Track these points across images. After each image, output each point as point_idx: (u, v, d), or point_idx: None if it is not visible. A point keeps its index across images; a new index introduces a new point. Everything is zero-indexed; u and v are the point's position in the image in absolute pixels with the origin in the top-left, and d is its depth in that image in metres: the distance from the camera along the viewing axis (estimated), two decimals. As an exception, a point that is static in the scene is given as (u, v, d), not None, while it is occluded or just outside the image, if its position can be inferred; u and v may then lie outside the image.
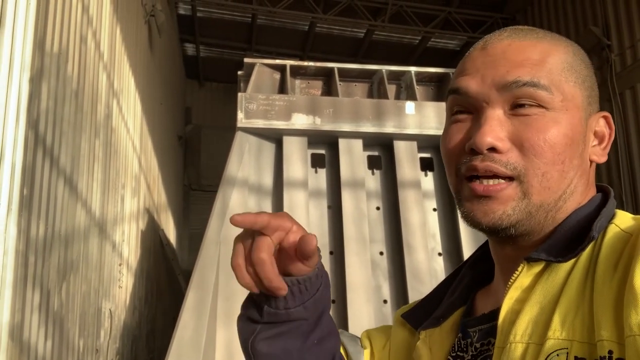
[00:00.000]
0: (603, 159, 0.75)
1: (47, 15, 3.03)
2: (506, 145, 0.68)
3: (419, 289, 3.25)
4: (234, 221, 0.68)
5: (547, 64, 0.70)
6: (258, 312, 0.75)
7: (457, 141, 0.73)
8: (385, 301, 3.42)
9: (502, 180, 0.69)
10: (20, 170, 2.64)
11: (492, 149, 0.68)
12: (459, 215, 0.76)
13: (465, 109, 0.74)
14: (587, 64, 0.75)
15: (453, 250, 3.61)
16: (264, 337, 0.75)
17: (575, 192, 0.71)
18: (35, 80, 2.84)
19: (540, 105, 0.69)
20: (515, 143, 0.68)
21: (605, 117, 0.76)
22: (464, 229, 3.52)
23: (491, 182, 0.69)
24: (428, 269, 3.37)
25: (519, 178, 0.68)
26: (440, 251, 3.61)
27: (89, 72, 3.97)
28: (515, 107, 0.69)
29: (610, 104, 6.49)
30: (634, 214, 0.71)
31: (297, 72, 4.12)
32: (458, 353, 0.78)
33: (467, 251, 3.43)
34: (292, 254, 0.71)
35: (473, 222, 0.71)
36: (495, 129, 0.69)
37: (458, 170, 0.73)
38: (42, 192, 2.99)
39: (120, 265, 5.10)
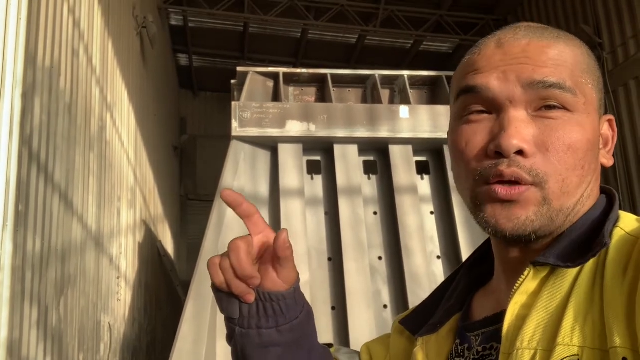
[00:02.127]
0: (610, 162, 0.74)
1: (38, 30, 3.03)
2: (532, 149, 0.66)
3: (418, 293, 3.24)
4: (223, 194, 0.72)
5: (569, 65, 0.69)
6: (231, 335, 0.78)
7: (476, 143, 0.70)
8: (385, 306, 3.41)
9: (523, 186, 0.66)
10: (14, 186, 2.63)
11: (519, 152, 0.66)
12: (475, 222, 0.72)
13: (483, 108, 0.71)
14: (597, 65, 0.74)
15: (451, 252, 3.60)
16: None
17: (591, 196, 0.71)
18: (28, 95, 2.83)
19: (565, 108, 0.67)
20: (539, 147, 0.66)
21: (609, 121, 0.76)
22: (461, 231, 3.52)
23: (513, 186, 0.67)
24: (427, 273, 3.36)
25: (540, 185, 0.66)
26: (439, 254, 3.61)
27: (82, 85, 3.96)
28: (540, 109, 0.67)
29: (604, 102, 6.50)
30: (631, 213, 0.71)
31: (290, 79, 4.12)
32: (455, 358, 0.77)
33: (466, 253, 3.42)
34: (270, 264, 0.74)
35: (496, 229, 0.68)
36: (522, 131, 0.66)
37: (480, 175, 0.69)
38: (37, 208, 2.97)
39: (118, 278, 5.08)
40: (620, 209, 0.72)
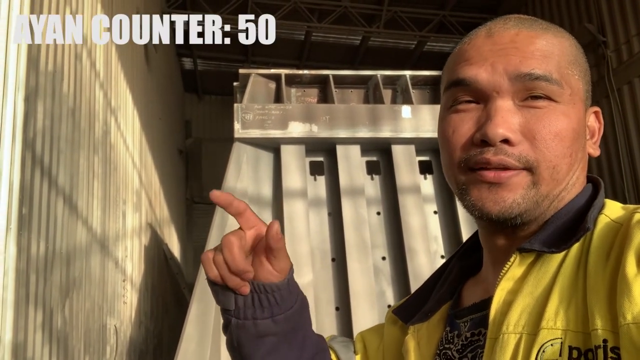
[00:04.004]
0: (597, 152, 0.75)
1: (41, 34, 3.04)
2: (518, 137, 0.67)
3: (422, 293, 3.23)
4: (212, 195, 0.73)
5: (556, 56, 0.70)
6: (227, 325, 0.79)
7: (463, 132, 0.71)
8: (389, 306, 3.40)
9: (512, 170, 0.67)
10: (18, 189, 2.64)
11: (504, 141, 0.67)
12: (462, 206, 0.73)
13: (471, 98, 0.72)
14: (585, 57, 0.76)
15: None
16: None
17: (576, 184, 0.72)
18: (31, 99, 2.85)
19: (550, 99, 0.68)
20: (525, 135, 0.67)
21: (595, 113, 0.77)
22: (465, 230, 3.51)
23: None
24: (431, 272, 3.33)
25: (531, 170, 0.67)
26: (443, 254, 3.60)
27: (85, 90, 3.98)
28: (526, 99, 0.68)
29: (608, 100, 6.49)
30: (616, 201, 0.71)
31: (292, 80, 4.13)
32: (445, 345, 0.78)
33: (470, 253, 3.41)
34: (263, 256, 0.75)
35: (482, 212, 0.68)
36: (508, 120, 0.67)
37: (465, 162, 0.70)
38: (41, 211, 2.99)
39: (124, 281, 5.09)
40: (625, 203, 0.72)
